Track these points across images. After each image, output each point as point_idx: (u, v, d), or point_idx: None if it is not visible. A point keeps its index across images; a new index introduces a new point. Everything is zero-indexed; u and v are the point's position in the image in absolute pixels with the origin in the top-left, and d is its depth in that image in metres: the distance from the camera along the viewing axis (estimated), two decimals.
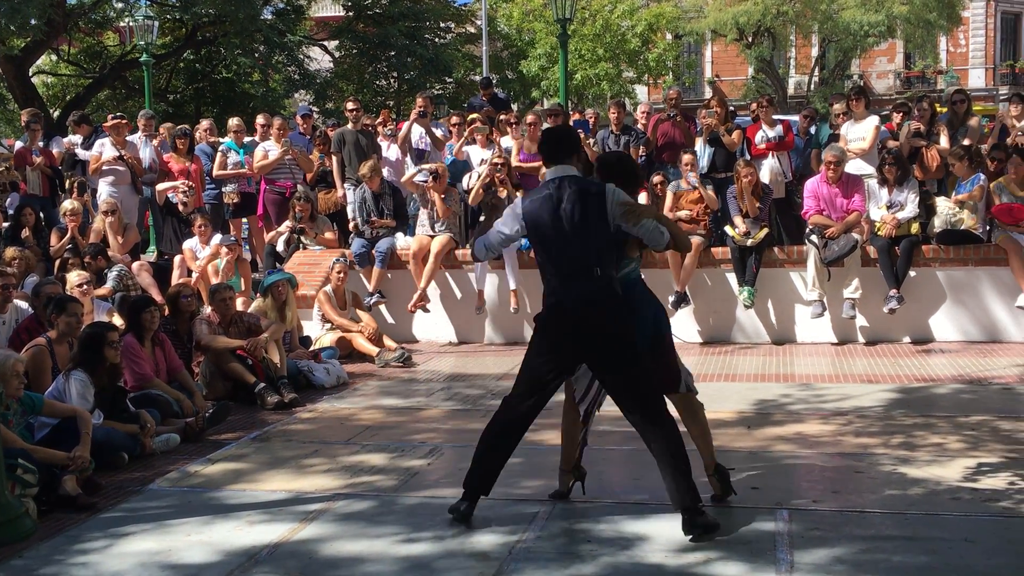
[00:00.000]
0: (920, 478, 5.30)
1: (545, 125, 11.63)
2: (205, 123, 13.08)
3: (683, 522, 4.52)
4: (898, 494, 5.10)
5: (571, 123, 11.81)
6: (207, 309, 8.55)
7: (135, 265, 10.06)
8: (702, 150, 10.89)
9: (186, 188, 11.10)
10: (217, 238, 10.18)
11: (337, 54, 33.62)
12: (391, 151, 11.77)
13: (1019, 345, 9.15)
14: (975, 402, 7.05)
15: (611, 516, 4.82)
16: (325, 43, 33.53)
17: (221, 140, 12.60)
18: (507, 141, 11.47)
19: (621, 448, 6.15)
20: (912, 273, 9.42)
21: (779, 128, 11.04)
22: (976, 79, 43.75)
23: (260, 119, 12.31)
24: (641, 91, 36.97)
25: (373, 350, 9.33)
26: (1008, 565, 4.14)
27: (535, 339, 4.96)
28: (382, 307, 10.46)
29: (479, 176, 10.71)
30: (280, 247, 10.85)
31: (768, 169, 10.81)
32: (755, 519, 4.74)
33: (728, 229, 9.82)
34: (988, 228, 9.58)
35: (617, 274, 4.81)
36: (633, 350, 4.73)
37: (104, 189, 11.37)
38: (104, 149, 11.41)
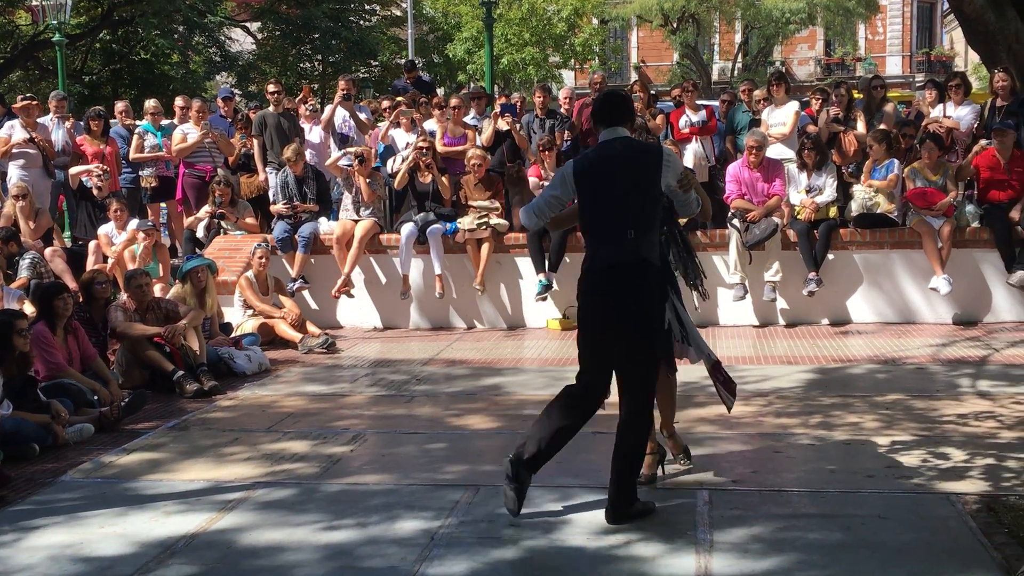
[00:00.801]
0: (836, 456, 5.40)
1: (471, 109, 11.62)
2: (120, 105, 12.72)
3: (607, 512, 4.51)
4: (815, 472, 5.20)
5: (498, 106, 11.77)
6: (123, 296, 8.34)
7: (48, 251, 9.77)
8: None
9: (100, 172, 10.80)
10: (134, 223, 9.94)
11: (259, 36, 33.06)
12: (313, 133, 11.61)
13: (932, 326, 9.39)
14: (890, 382, 7.21)
15: (534, 500, 4.81)
16: (247, 24, 32.94)
17: (138, 123, 12.29)
18: (431, 124, 11.39)
19: None
20: (830, 256, 9.60)
21: (703, 113, 11.13)
22: (893, 66, 44.79)
23: (179, 101, 12.03)
24: (568, 76, 37.06)
25: (296, 336, 9.21)
26: (920, 540, 4.24)
27: (579, 310, 4.78)
28: (305, 293, 10.32)
29: (404, 160, 10.63)
30: (200, 232, 10.64)
31: (692, 154, 10.90)
32: (675, 499, 4.78)
33: None
34: (903, 212, 9.80)
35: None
36: (652, 326, 4.58)
37: (14, 172, 10.99)
38: (14, 131, 11.03)
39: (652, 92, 11.77)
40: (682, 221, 8.74)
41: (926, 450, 5.43)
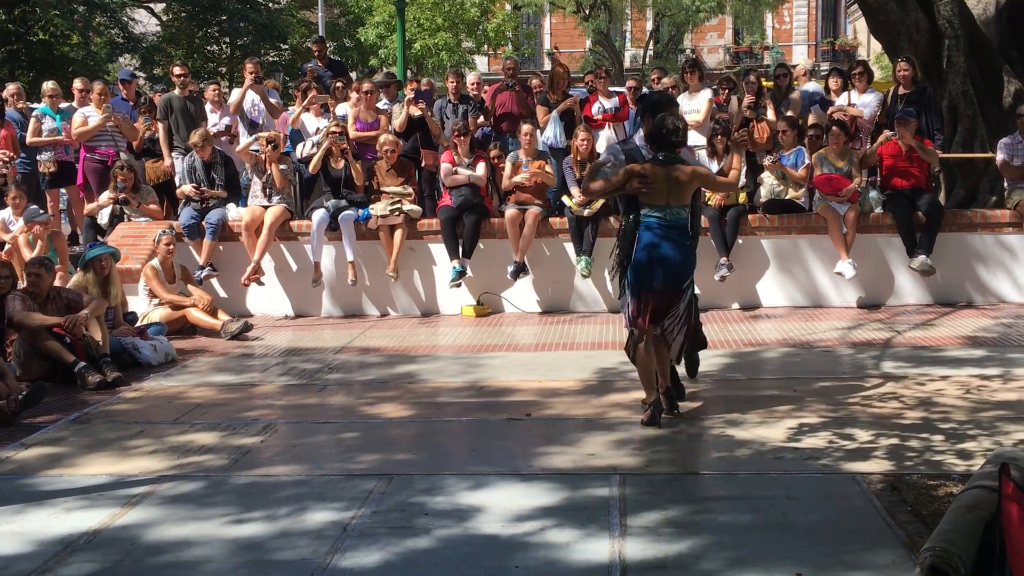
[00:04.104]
0: (747, 439, 5.48)
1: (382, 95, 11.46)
2: (12, 87, 12.21)
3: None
4: (726, 455, 5.26)
5: (410, 92, 11.64)
6: (22, 284, 8.03)
7: None
8: (554, 123, 10.89)
9: (7, 159, 10.37)
10: (30, 211, 9.59)
11: (164, 17, 32.17)
12: (222, 122, 11.33)
13: (839, 309, 9.61)
14: (799, 365, 7.35)
15: (448, 488, 4.78)
16: (151, 5, 32.01)
17: (33, 105, 11.85)
18: (343, 109, 11.22)
19: (459, 420, 6.13)
20: (739, 241, 9.75)
21: (615, 100, 11.18)
22: (799, 55, 45.61)
23: (78, 83, 11.62)
24: (481, 62, 36.94)
25: (216, 323, 9.00)
26: (827, 520, 4.31)
27: None
28: (214, 281, 10.09)
29: (315, 144, 10.46)
30: (102, 219, 10.31)
31: (605, 140, 10.92)
32: (589, 485, 4.79)
33: (565, 199, 9.90)
34: (810, 198, 10.00)
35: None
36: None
37: None
38: None
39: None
40: (591, 208, 9.22)
41: (833, 431, 5.55)
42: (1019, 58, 10.96)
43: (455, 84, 11.27)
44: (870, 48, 40.27)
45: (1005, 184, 10.01)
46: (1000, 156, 9.78)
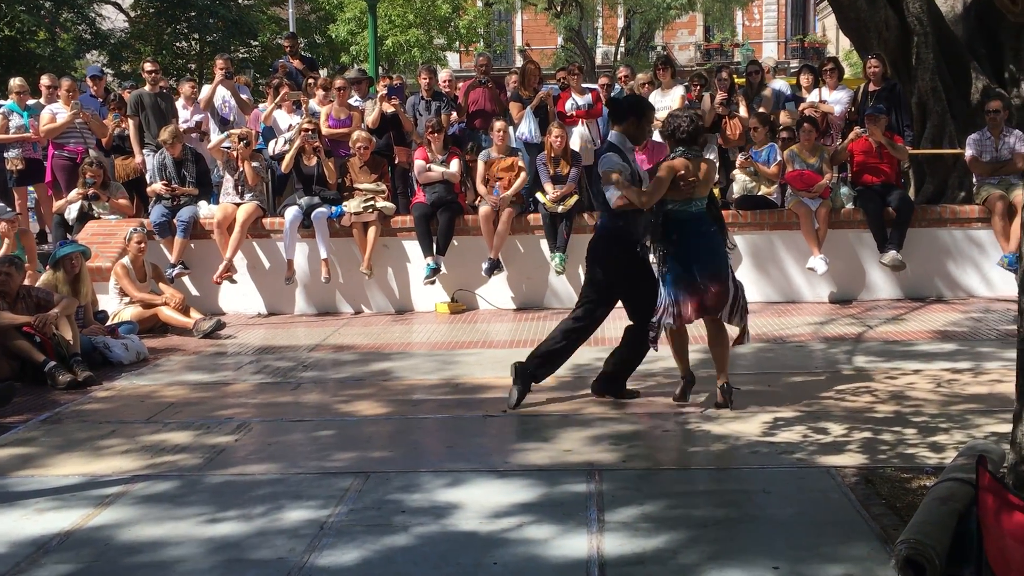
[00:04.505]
0: (723, 434, 5.50)
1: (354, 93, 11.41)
2: None
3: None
4: (702, 450, 5.29)
5: (384, 89, 11.60)
6: None
7: None
8: (528, 119, 10.88)
9: None
10: None
11: (132, 13, 31.85)
12: (193, 119, 11.24)
13: (812, 304, 9.68)
14: (773, 360, 7.40)
15: (425, 485, 4.77)
16: (119, 1, 31.69)
17: (0, 102, 11.70)
18: (313, 104, 11.16)
19: (435, 417, 6.12)
20: None
21: (588, 96, 11.20)
22: (769, 52, 45.92)
23: (45, 80, 11.50)
24: (453, 58, 36.88)
25: (188, 321, 8.93)
26: (802, 513, 4.34)
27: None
28: (185, 279, 10.02)
29: (287, 141, 10.40)
30: (70, 214, 10.20)
31: (578, 137, 10.96)
32: (566, 481, 4.79)
33: (539, 196, 9.91)
34: (782, 195, 10.06)
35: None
36: (628, 275, 6.10)
37: None
38: None
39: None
40: (564, 205, 9.34)
41: (807, 426, 5.58)
42: (987, 55, 11.08)
43: (428, 81, 11.23)
44: (839, 45, 40.56)
45: (974, 180, 10.11)
46: (969, 152, 9.88)
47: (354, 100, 11.25)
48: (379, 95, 11.16)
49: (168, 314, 9.02)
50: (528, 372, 6.18)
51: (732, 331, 6.20)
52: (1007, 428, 4.23)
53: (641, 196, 5.87)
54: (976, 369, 6.84)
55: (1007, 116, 9.92)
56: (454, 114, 11.13)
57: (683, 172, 5.85)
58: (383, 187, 10.14)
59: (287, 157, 10.10)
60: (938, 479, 3.99)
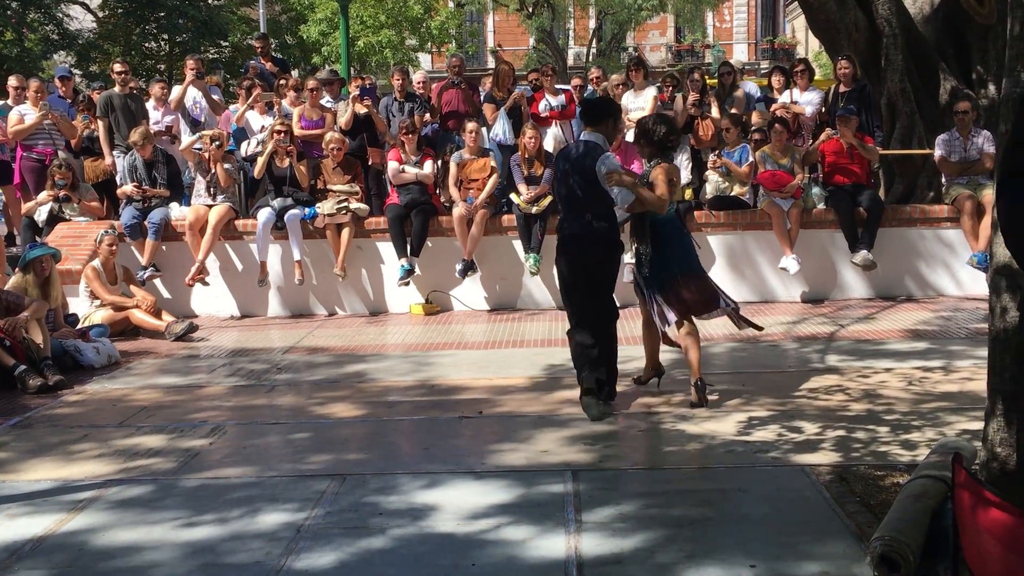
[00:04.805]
0: (698, 434, 5.53)
1: (325, 93, 11.36)
2: None
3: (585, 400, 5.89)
4: (678, 450, 5.31)
5: (356, 90, 11.56)
6: None
7: None
8: (502, 120, 10.87)
9: None
10: None
11: (100, 14, 31.56)
12: (164, 120, 11.15)
13: (785, 304, 9.75)
14: (747, 359, 7.44)
15: (401, 487, 4.76)
16: (87, 1, 31.40)
17: None
18: (286, 105, 11.10)
19: (411, 418, 6.10)
20: None
21: (562, 97, 11.22)
22: (740, 53, 46.28)
23: (12, 81, 11.35)
24: (425, 59, 36.81)
25: (160, 324, 8.86)
26: (778, 511, 4.37)
27: (557, 266, 6.26)
28: (157, 281, 9.94)
29: (259, 143, 10.34)
30: (40, 216, 10.09)
31: (552, 138, 10.97)
32: (543, 482, 4.80)
33: (513, 196, 9.91)
34: (754, 195, 10.13)
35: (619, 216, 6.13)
36: (605, 277, 6.04)
37: None
38: None
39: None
40: (539, 206, 9.41)
41: (781, 424, 5.62)
42: (955, 56, 11.20)
43: (401, 82, 11.21)
44: (808, 46, 40.88)
45: (943, 180, 10.22)
46: (938, 152, 9.98)
47: (326, 101, 11.20)
48: (351, 96, 11.11)
49: (140, 317, 8.95)
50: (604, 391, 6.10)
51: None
52: (978, 426, 4.28)
53: (653, 198, 6.03)
54: (947, 367, 6.91)
55: (975, 117, 10.03)
56: (427, 115, 11.12)
57: (673, 177, 6.18)
58: (356, 188, 10.11)
59: (259, 162, 10.03)
60: (911, 476, 4.03)
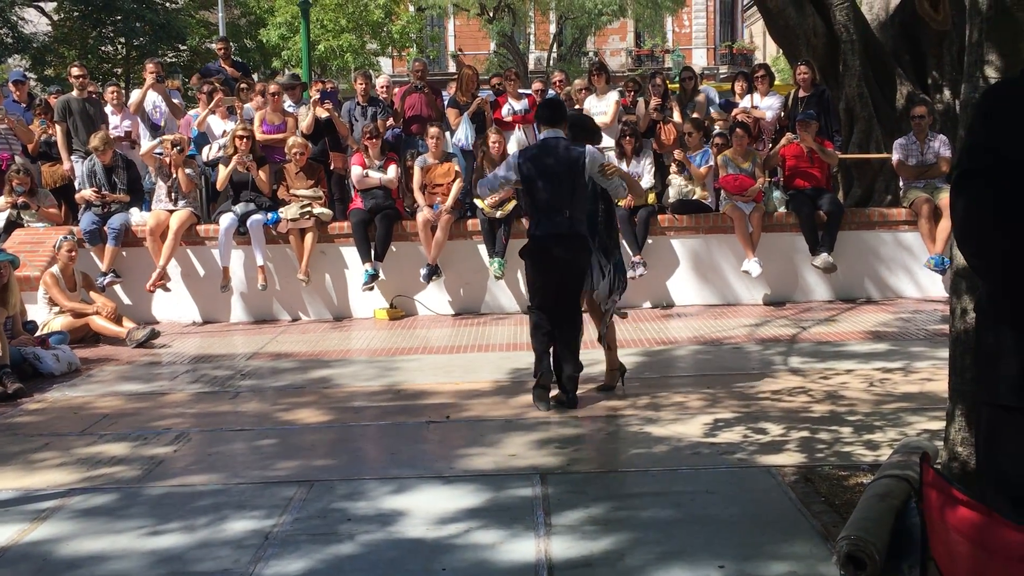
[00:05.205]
0: (664, 436, 5.56)
1: (287, 100, 11.30)
2: None
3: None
4: (644, 452, 5.34)
5: (318, 93, 11.51)
6: None
7: None
8: (465, 125, 10.87)
9: None
10: None
11: (56, 17, 31.14)
12: (123, 125, 11.03)
13: (748, 307, 9.84)
14: (711, 361, 7.50)
15: (369, 493, 4.75)
16: (41, 4, 30.96)
17: None
18: (249, 109, 11.03)
19: (378, 424, 6.09)
20: (650, 241, 9.90)
21: (525, 101, 11.24)
22: (699, 58, 46.64)
23: None
24: (385, 64, 36.71)
25: (121, 331, 8.76)
26: (745, 512, 4.41)
27: (526, 264, 6.38)
28: (117, 287, 9.83)
29: (221, 148, 10.26)
30: None
31: (516, 142, 10.98)
32: (511, 485, 4.80)
33: (477, 201, 9.92)
34: (716, 199, 10.22)
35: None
36: (581, 275, 6.22)
37: None
38: None
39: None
40: (503, 210, 9.56)
41: (746, 426, 5.67)
42: (911, 62, 11.37)
43: (364, 86, 11.18)
44: (766, 52, 41.31)
45: (900, 183, 10.37)
46: (895, 156, 10.13)
47: (288, 105, 11.14)
48: (312, 100, 11.06)
49: (100, 323, 8.84)
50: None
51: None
52: (938, 425, 4.36)
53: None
54: (907, 368, 7.01)
55: (931, 121, 10.20)
56: (390, 120, 11.10)
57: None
58: (320, 193, 10.06)
59: (221, 176, 9.95)
60: (875, 476, 4.08)
